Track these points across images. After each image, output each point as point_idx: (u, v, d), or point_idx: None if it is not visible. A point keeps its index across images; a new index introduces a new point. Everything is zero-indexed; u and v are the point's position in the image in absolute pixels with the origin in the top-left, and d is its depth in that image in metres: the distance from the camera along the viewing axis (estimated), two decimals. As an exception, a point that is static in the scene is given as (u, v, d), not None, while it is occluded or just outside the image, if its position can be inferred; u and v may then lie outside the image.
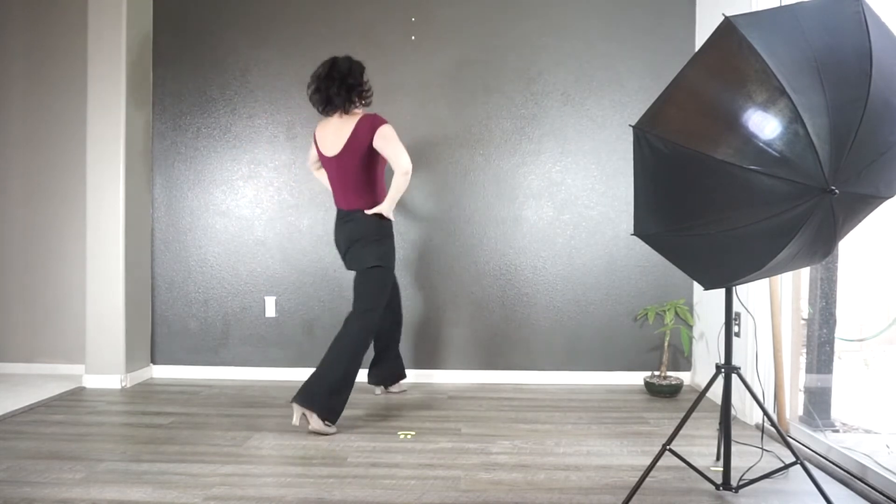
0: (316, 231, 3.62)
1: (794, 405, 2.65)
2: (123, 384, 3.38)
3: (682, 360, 3.58)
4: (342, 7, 3.61)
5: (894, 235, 2.49)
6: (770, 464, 2.18)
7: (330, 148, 2.75)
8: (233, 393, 3.30)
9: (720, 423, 2.05)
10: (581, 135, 3.58)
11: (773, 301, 2.63)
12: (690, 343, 3.44)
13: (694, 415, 2.83)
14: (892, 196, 1.59)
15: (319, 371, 2.56)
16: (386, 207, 2.71)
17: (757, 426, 2.74)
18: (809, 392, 2.63)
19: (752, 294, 2.78)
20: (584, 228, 3.58)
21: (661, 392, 3.27)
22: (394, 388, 3.29)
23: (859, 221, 1.64)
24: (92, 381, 3.38)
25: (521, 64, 3.58)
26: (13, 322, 3.72)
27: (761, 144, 1.45)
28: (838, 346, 2.58)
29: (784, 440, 1.85)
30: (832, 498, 1.81)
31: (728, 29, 1.51)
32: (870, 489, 1.99)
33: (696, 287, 3.56)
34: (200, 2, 3.64)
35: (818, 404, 2.58)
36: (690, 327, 3.49)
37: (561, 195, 3.58)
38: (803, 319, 2.67)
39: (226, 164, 3.65)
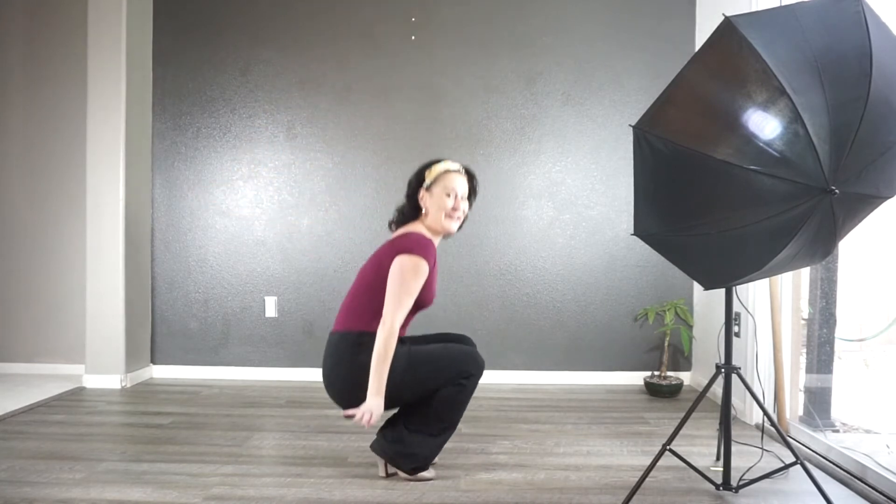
0: (316, 231, 3.62)
1: (794, 405, 2.65)
2: (123, 384, 3.38)
3: (682, 360, 3.58)
4: (342, 7, 3.61)
5: (894, 235, 2.49)
6: (770, 464, 2.18)
7: None
8: (233, 393, 3.30)
9: (720, 423, 2.05)
10: (581, 135, 3.58)
11: (773, 301, 2.63)
12: (690, 343, 3.44)
13: (694, 415, 2.81)
14: (892, 196, 1.59)
15: None
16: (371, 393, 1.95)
17: (757, 426, 2.74)
18: (809, 392, 2.63)
19: (752, 294, 2.78)
20: (584, 228, 3.58)
21: (661, 392, 3.26)
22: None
23: (859, 221, 1.64)
24: (92, 381, 3.37)
25: (521, 64, 3.58)
26: (13, 322, 3.72)
27: (761, 144, 1.45)
28: (838, 346, 2.58)
29: (784, 440, 1.85)
30: (832, 498, 1.81)
31: (728, 29, 1.51)
32: (870, 489, 1.99)
33: (696, 287, 3.56)
34: (200, 2, 3.64)
35: (818, 404, 2.58)
36: (690, 327, 3.49)
37: (561, 195, 3.58)
38: (803, 319, 2.67)
39: (226, 164, 3.65)
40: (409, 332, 2.19)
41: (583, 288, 3.58)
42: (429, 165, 2.16)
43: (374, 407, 1.92)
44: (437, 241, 2.14)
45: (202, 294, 3.65)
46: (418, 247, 2.00)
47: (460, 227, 2.18)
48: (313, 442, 2.49)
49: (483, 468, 2.22)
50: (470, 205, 2.19)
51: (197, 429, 2.66)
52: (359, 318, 2.04)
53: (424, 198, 2.11)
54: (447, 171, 2.12)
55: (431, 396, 2.03)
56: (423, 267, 1.99)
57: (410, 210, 2.15)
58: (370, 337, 1.98)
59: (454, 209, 2.09)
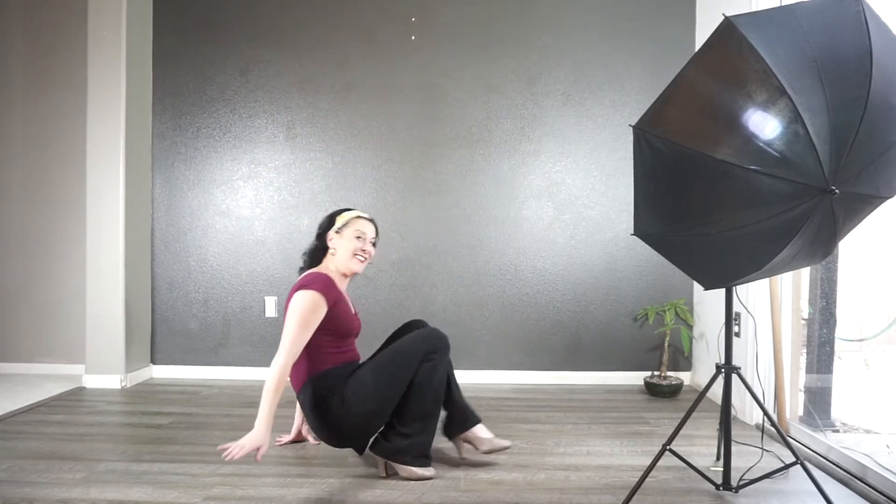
0: (315, 231, 3.62)
1: (794, 405, 2.65)
2: (123, 384, 3.38)
3: (682, 360, 3.58)
4: (343, 7, 3.61)
5: (894, 235, 2.49)
6: (770, 464, 2.18)
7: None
8: (233, 393, 3.30)
9: (720, 423, 2.05)
10: (581, 135, 3.58)
11: (773, 301, 2.63)
12: (690, 343, 3.44)
13: (694, 415, 2.83)
14: (892, 196, 1.59)
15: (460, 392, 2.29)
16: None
17: (757, 426, 2.74)
18: (809, 392, 2.63)
19: (752, 294, 2.78)
20: (584, 228, 3.58)
21: (661, 392, 3.26)
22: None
23: (859, 221, 1.64)
24: (92, 381, 3.37)
25: (521, 64, 3.58)
26: (13, 322, 3.72)
27: (761, 144, 1.45)
28: (838, 346, 2.58)
29: (784, 440, 1.85)
30: (832, 498, 1.81)
31: (728, 29, 1.51)
32: (870, 489, 1.99)
33: (696, 287, 3.56)
34: (200, 2, 3.64)
35: (818, 404, 2.58)
36: (690, 327, 3.49)
37: (561, 195, 3.59)
38: (803, 319, 2.67)
39: (226, 164, 3.65)
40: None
41: (583, 288, 3.58)
42: (340, 211, 2.30)
43: (256, 436, 1.84)
44: (343, 282, 2.27)
45: (202, 294, 3.65)
46: (314, 282, 2.08)
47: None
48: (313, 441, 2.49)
49: (483, 468, 2.21)
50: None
51: (197, 429, 2.66)
52: (300, 370, 2.13)
53: (333, 239, 2.25)
54: (358, 217, 2.28)
55: (410, 385, 2.08)
56: (318, 299, 2.05)
57: (318, 250, 2.28)
58: (319, 378, 2.09)
59: (363, 250, 2.24)
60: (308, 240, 3.59)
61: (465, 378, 3.57)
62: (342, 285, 2.25)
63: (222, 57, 3.63)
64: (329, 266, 2.25)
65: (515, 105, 3.59)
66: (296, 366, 2.13)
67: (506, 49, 3.58)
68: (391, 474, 2.12)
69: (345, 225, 2.25)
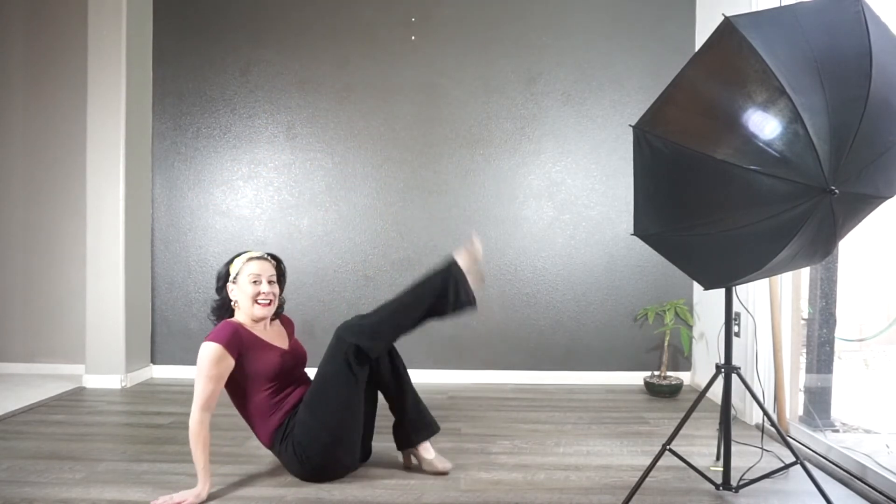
0: (316, 231, 3.62)
1: (794, 405, 2.65)
2: (123, 384, 3.38)
3: (682, 360, 3.58)
4: (342, 7, 3.61)
5: (894, 235, 2.49)
6: (770, 464, 2.18)
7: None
8: (233, 393, 3.30)
9: (720, 423, 2.05)
10: (581, 135, 3.58)
11: (773, 301, 2.63)
12: (690, 343, 3.44)
13: (694, 415, 2.83)
14: (892, 196, 1.59)
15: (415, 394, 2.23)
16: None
17: (757, 426, 2.74)
18: (809, 392, 2.63)
19: (752, 294, 2.78)
20: (584, 228, 3.58)
21: (661, 392, 3.27)
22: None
23: (859, 221, 1.64)
24: (92, 381, 3.38)
25: (521, 64, 3.58)
26: (13, 322, 3.72)
27: (761, 144, 1.45)
28: (838, 346, 2.58)
29: (784, 440, 1.85)
30: (832, 498, 1.81)
31: (728, 29, 1.51)
32: (870, 489, 1.99)
33: (696, 287, 3.56)
34: (200, 2, 3.64)
35: (818, 404, 2.58)
36: (690, 327, 3.49)
37: (561, 195, 3.59)
38: (803, 319, 2.67)
39: (226, 164, 3.65)
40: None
41: (583, 288, 3.58)
42: (231, 260, 2.16)
43: (193, 491, 1.90)
44: (257, 326, 2.13)
45: (202, 294, 3.65)
46: (213, 333, 2.00)
47: (279, 311, 2.22)
48: (313, 442, 2.49)
49: (483, 468, 2.22)
50: (281, 289, 2.19)
51: (197, 429, 2.66)
52: (258, 429, 2.10)
53: (233, 290, 2.11)
54: (249, 260, 2.12)
55: (377, 397, 2.14)
56: (218, 351, 1.96)
57: (223, 307, 2.16)
58: (273, 442, 2.07)
59: (262, 293, 2.09)
60: (308, 240, 3.62)
61: (466, 378, 3.57)
62: (260, 327, 2.13)
63: (222, 57, 3.63)
64: (239, 316, 2.13)
65: (515, 105, 3.59)
66: (248, 419, 2.10)
67: (506, 49, 3.58)
68: (411, 466, 2.19)
69: (238, 273, 2.10)
